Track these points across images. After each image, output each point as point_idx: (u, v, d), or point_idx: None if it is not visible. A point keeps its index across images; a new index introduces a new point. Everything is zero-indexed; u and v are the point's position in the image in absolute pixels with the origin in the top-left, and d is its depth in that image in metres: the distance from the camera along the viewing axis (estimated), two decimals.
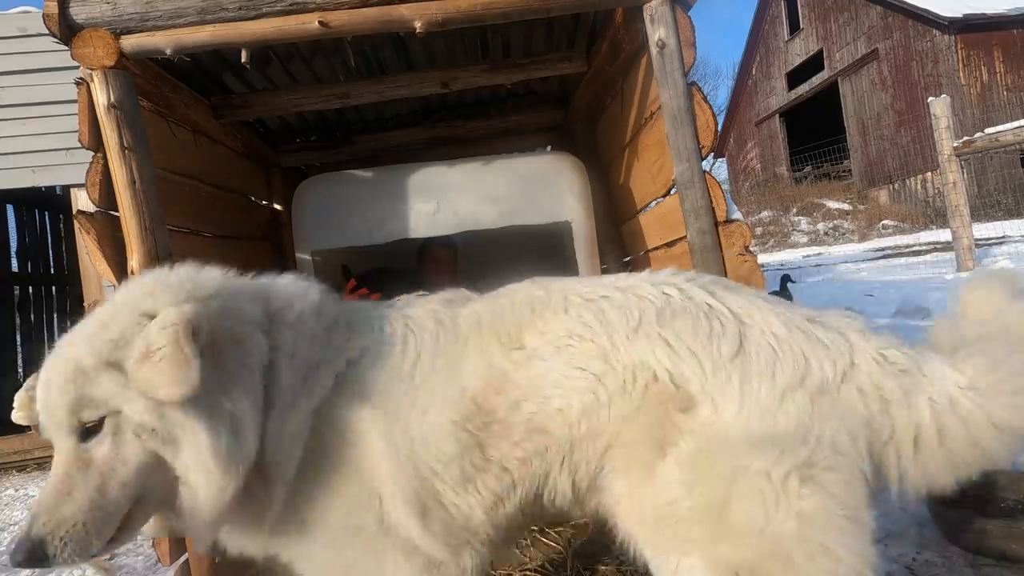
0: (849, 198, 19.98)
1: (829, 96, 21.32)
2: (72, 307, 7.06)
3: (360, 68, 3.00)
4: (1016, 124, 6.87)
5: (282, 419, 1.23)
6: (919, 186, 17.76)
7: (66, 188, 5.35)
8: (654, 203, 2.85)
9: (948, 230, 7.73)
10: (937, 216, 15.62)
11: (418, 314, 1.39)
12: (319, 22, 2.01)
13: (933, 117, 7.21)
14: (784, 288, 5.58)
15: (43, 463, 4.57)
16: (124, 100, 1.99)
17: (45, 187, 5.86)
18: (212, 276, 1.50)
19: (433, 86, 2.97)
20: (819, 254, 14.56)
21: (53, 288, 7.04)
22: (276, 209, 3.88)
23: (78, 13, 1.96)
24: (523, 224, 2.87)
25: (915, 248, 11.72)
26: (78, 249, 5.25)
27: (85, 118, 1.99)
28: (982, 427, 1.15)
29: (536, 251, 3.72)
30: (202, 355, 1.10)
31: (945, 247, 9.68)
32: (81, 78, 2.00)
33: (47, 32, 2.00)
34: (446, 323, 1.35)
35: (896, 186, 18.67)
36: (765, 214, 20.32)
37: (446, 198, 2.83)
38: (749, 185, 25.01)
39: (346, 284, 2.96)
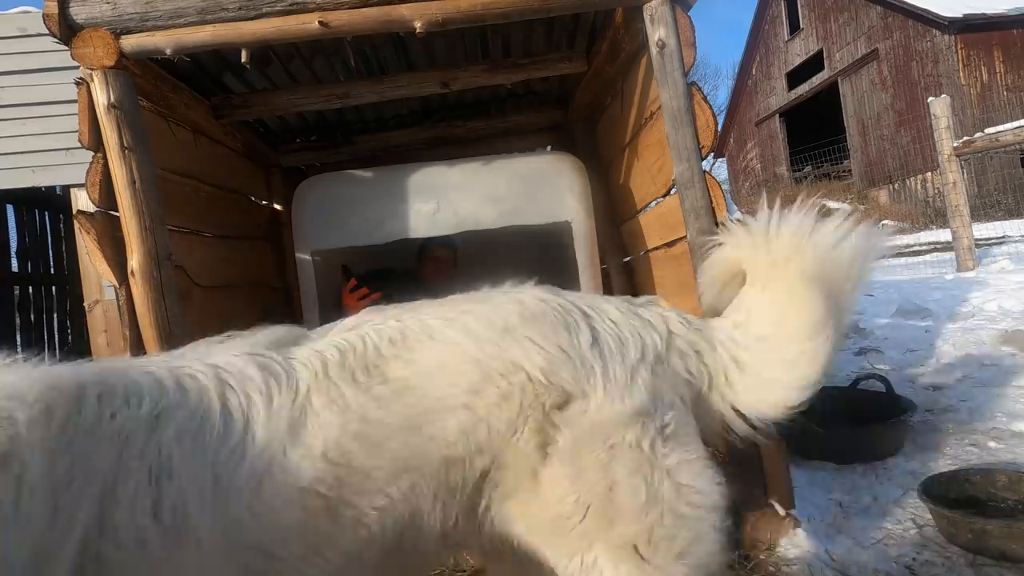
0: (849, 198, 19.97)
1: (829, 96, 21.32)
2: (72, 307, 7.06)
3: (360, 68, 3.00)
4: (1016, 124, 6.87)
5: None
6: (919, 186, 17.76)
7: (66, 188, 5.35)
8: (654, 203, 2.85)
9: (948, 230, 7.73)
10: (937, 216, 15.62)
11: (233, 363, 1.15)
12: (319, 22, 2.01)
13: (933, 117, 7.21)
14: None
15: None
16: (124, 100, 1.99)
17: (45, 187, 5.86)
18: None
19: (433, 86, 2.97)
20: None
21: (53, 288, 7.03)
22: (276, 209, 3.88)
23: (78, 13, 1.96)
24: (523, 224, 2.87)
25: (915, 248, 11.71)
26: (78, 249, 5.25)
27: (85, 118, 1.99)
28: (759, 352, 1.40)
29: (536, 251, 3.72)
30: None
31: (945, 247, 9.68)
32: (81, 78, 2.00)
33: (47, 32, 2.00)
34: (276, 370, 1.15)
35: (896, 186, 18.67)
36: None
37: (446, 198, 2.83)
38: (749, 185, 25.00)
39: (346, 284, 2.96)
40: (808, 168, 22.98)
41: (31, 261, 6.79)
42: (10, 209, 6.50)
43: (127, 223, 2.00)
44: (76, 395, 1.03)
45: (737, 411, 1.41)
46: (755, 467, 2.09)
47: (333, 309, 3.07)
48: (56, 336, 7.01)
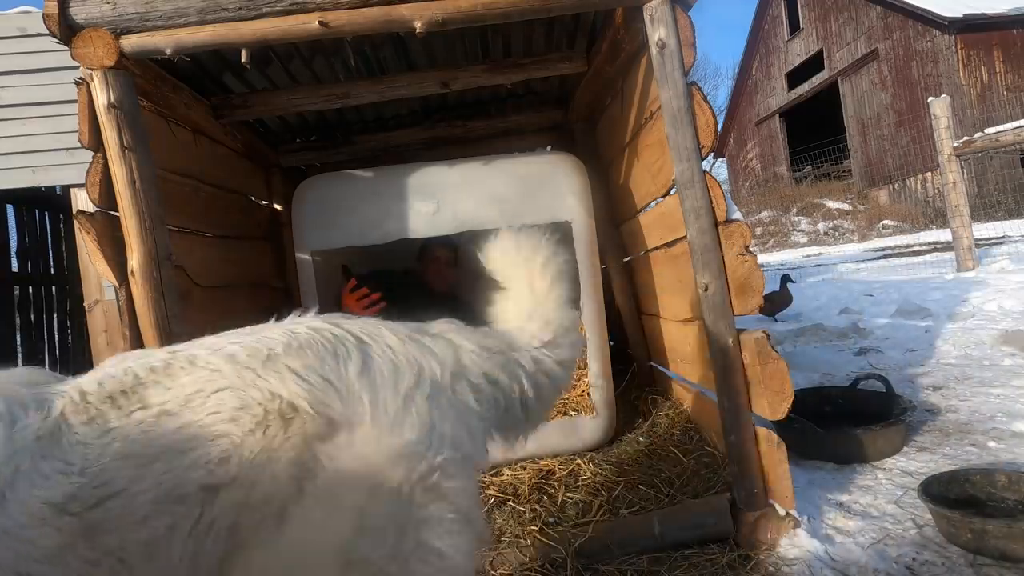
0: (849, 198, 19.98)
1: (829, 96, 21.32)
2: (72, 307, 7.06)
3: (360, 68, 3.00)
4: (1016, 124, 6.87)
5: None
6: (919, 186, 17.76)
7: (66, 188, 5.35)
8: (654, 203, 2.85)
9: (948, 230, 7.73)
10: (937, 216, 15.62)
11: None
12: (319, 22, 2.01)
13: (933, 117, 7.21)
14: (784, 288, 5.59)
15: None
16: (124, 100, 1.99)
17: (45, 187, 5.86)
18: None
19: (433, 86, 2.96)
20: (819, 254, 14.56)
21: (53, 288, 7.03)
22: (276, 209, 3.88)
23: (78, 13, 1.96)
24: (523, 224, 2.86)
25: (915, 248, 11.72)
26: (78, 249, 5.25)
27: (85, 118, 1.99)
28: (557, 370, 1.46)
29: None
30: None
31: (945, 247, 9.68)
32: (81, 78, 2.00)
33: (47, 32, 2.00)
34: (22, 398, 1.08)
35: (896, 186, 18.67)
36: (765, 214, 20.32)
37: (446, 198, 2.82)
38: (749, 185, 25.01)
39: (346, 284, 2.96)
40: (808, 168, 22.98)
41: (31, 261, 6.79)
42: (10, 209, 6.50)
43: (127, 223, 2.00)
44: None
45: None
46: (755, 467, 2.09)
47: (333, 309, 3.07)
48: (56, 336, 7.01)
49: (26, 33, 4.59)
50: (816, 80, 21.59)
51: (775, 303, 5.52)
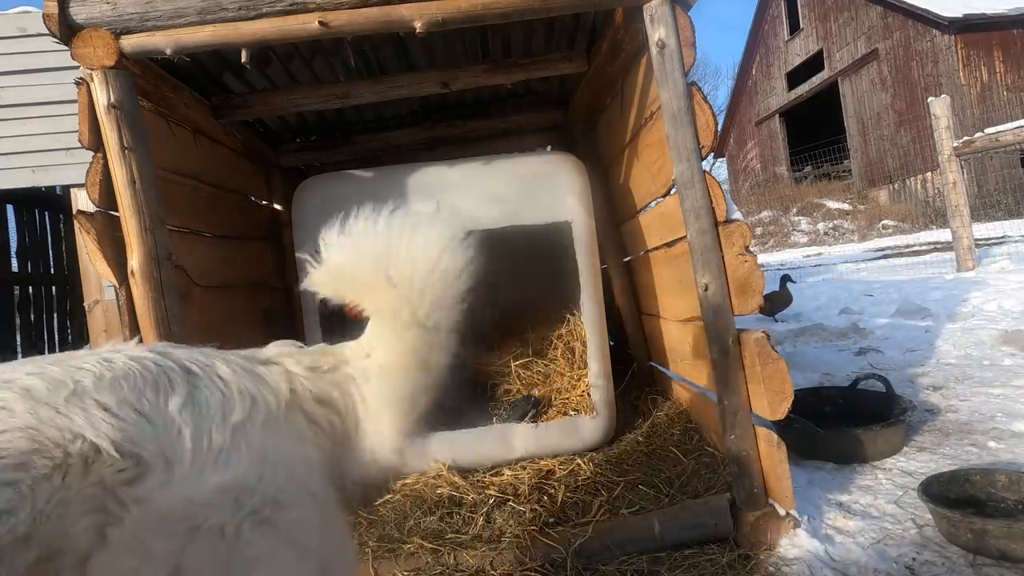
0: (849, 198, 19.98)
1: (829, 96, 21.32)
2: (72, 307, 7.06)
3: (360, 68, 3.00)
4: (1016, 124, 6.87)
5: None
6: (919, 186, 17.76)
7: (66, 188, 5.36)
8: (654, 203, 2.85)
9: (948, 230, 7.73)
10: (937, 216, 15.62)
11: None
12: (319, 22, 2.01)
13: (933, 117, 7.21)
14: (784, 288, 5.59)
15: None
16: (124, 100, 1.99)
17: (45, 187, 5.86)
18: None
19: (433, 86, 2.97)
20: (819, 254, 14.56)
21: (53, 288, 7.04)
22: (276, 209, 3.88)
23: (78, 13, 1.96)
24: (523, 224, 2.86)
25: (915, 248, 11.72)
26: (78, 249, 5.25)
27: (85, 118, 1.99)
28: (393, 382, 1.33)
29: (536, 252, 3.72)
30: None
31: (945, 247, 9.68)
32: (81, 78, 2.00)
33: (47, 32, 2.00)
34: None
35: (896, 186, 18.67)
36: (765, 214, 20.32)
37: (446, 198, 2.82)
38: (749, 185, 25.00)
39: None
40: (808, 168, 22.99)
41: (31, 261, 6.79)
42: (10, 209, 6.51)
43: (127, 223, 2.00)
44: None
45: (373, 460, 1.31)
46: (755, 467, 2.09)
47: (333, 309, 3.06)
48: (56, 336, 7.01)
49: (26, 33, 4.59)
50: (816, 80, 21.59)
51: (775, 303, 5.52)
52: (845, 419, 2.91)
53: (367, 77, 3.07)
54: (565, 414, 2.88)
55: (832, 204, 19.82)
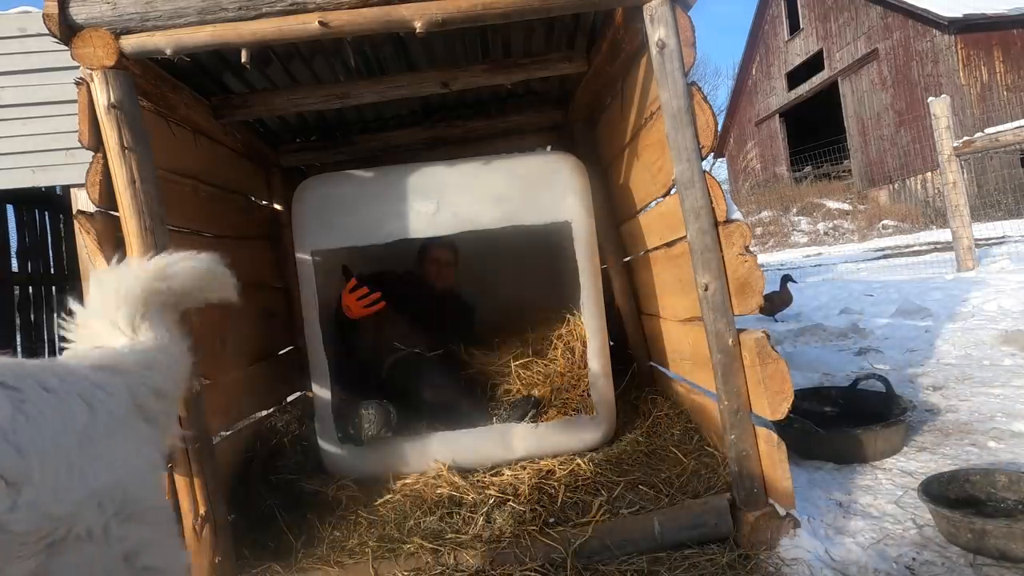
0: (849, 198, 19.98)
1: (829, 96, 21.32)
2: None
3: (360, 68, 3.00)
4: (1016, 124, 6.87)
5: None
6: (919, 186, 17.76)
7: (66, 188, 5.36)
8: (654, 203, 2.85)
9: (948, 230, 7.73)
10: (937, 216, 15.62)
11: None
12: (319, 22, 2.01)
13: (933, 117, 7.21)
14: (784, 288, 5.59)
15: None
16: (124, 100, 1.99)
17: (45, 187, 5.86)
18: None
19: (433, 86, 2.96)
20: (819, 254, 14.56)
21: (53, 288, 7.04)
22: (276, 209, 3.88)
23: (78, 13, 1.96)
24: (523, 224, 2.86)
25: (915, 248, 11.72)
26: (78, 249, 5.25)
27: (85, 118, 1.99)
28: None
29: (535, 252, 3.72)
30: None
31: (945, 247, 9.68)
32: (81, 78, 2.00)
33: (47, 32, 2.00)
34: None
35: (896, 186, 18.67)
36: (765, 214, 20.32)
37: (446, 198, 2.82)
38: (749, 185, 25.00)
39: (346, 284, 2.96)
40: (808, 168, 22.99)
41: (31, 261, 6.80)
42: (10, 209, 6.51)
43: (127, 223, 2.00)
44: None
45: None
46: (755, 467, 2.09)
47: (334, 309, 3.07)
48: (56, 336, 7.00)
49: (26, 33, 4.59)
50: (816, 80, 21.59)
51: (775, 303, 5.52)
52: (845, 419, 2.91)
53: (367, 77, 3.07)
54: (565, 414, 2.88)
55: (832, 204, 19.82)
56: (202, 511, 2.06)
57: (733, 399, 2.08)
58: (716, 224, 2.09)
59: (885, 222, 17.57)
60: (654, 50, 2.09)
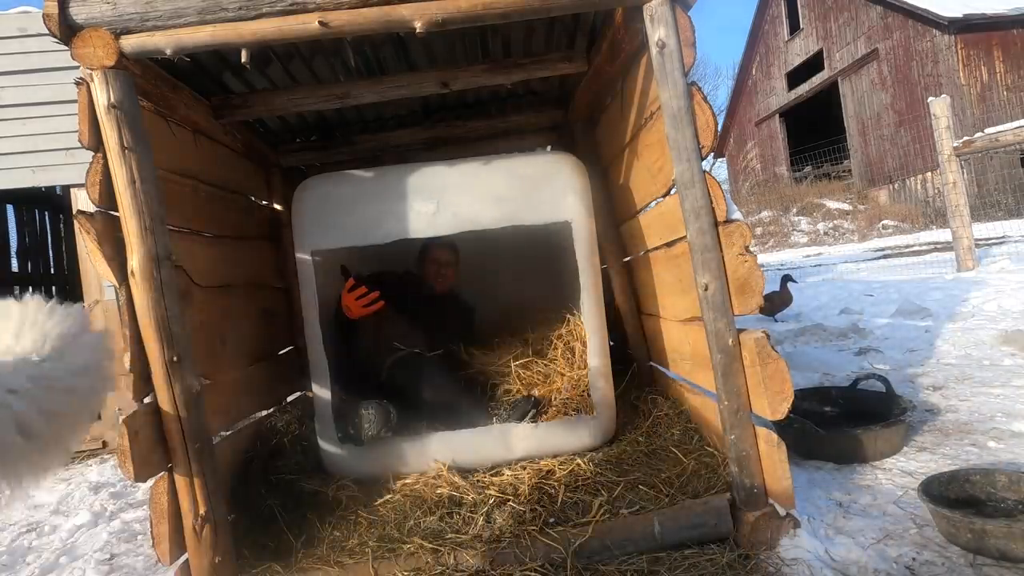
0: (849, 198, 19.97)
1: (829, 96, 21.32)
2: None
3: (360, 68, 3.01)
4: (1016, 124, 6.87)
5: None
6: (919, 186, 17.76)
7: (66, 188, 5.36)
8: (654, 203, 2.85)
9: (948, 230, 7.73)
10: (937, 216, 15.62)
11: None
12: (319, 22, 2.01)
13: (933, 117, 7.21)
14: (784, 288, 5.59)
15: None
16: (124, 100, 1.99)
17: (45, 187, 5.86)
18: None
19: (433, 86, 2.96)
20: (819, 254, 14.56)
21: (53, 288, 7.04)
22: (276, 209, 3.88)
23: (78, 13, 1.96)
24: (523, 224, 2.86)
25: (915, 248, 11.72)
26: (78, 249, 5.25)
27: (85, 118, 1.99)
28: (71, 378, 1.14)
29: (536, 252, 3.72)
30: None
31: (945, 247, 9.68)
32: (81, 78, 2.00)
33: (47, 32, 1.99)
34: None
35: (896, 186, 18.67)
36: (765, 214, 20.31)
37: (446, 198, 2.82)
38: (749, 185, 24.99)
39: (344, 284, 2.96)
40: (808, 168, 22.99)
41: (31, 261, 6.80)
42: (10, 209, 6.51)
43: (127, 223, 2.00)
44: None
45: None
46: (755, 467, 2.09)
47: (334, 309, 3.07)
48: None
49: (26, 33, 4.59)
50: (816, 80, 21.59)
51: (775, 303, 5.52)
52: (845, 419, 2.91)
53: (367, 77, 3.07)
54: (565, 414, 2.88)
55: (832, 204, 19.82)
56: (202, 511, 2.05)
57: (733, 399, 2.08)
58: (716, 224, 2.09)
59: (885, 222, 17.56)
60: (654, 50, 2.09)
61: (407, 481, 2.69)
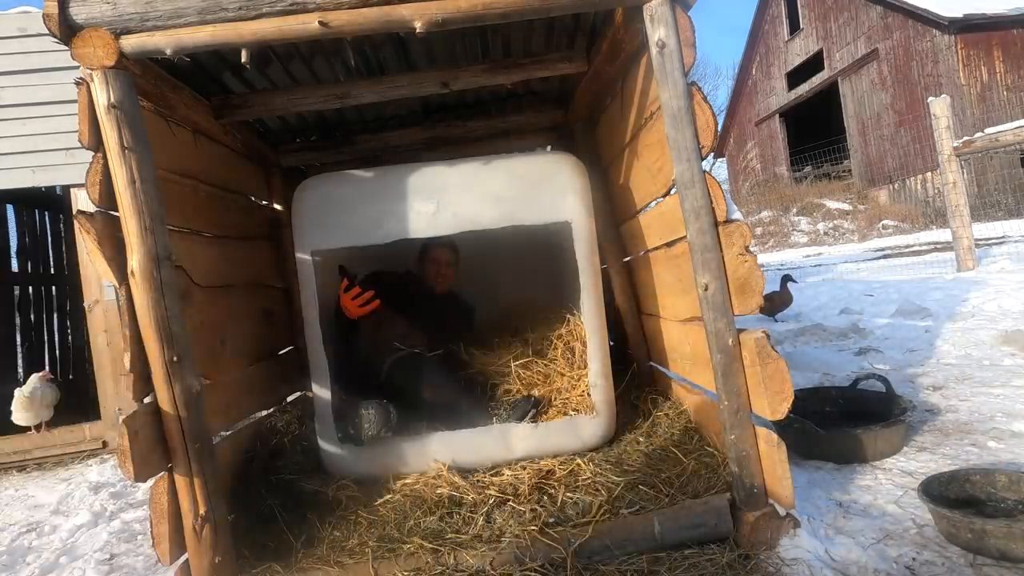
0: (849, 198, 19.97)
1: (829, 96, 21.32)
2: (72, 307, 7.06)
3: (360, 68, 3.01)
4: (1016, 124, 6.86)
5: None
6: (919, 186, 17.76)
7: (66, 188, 5.35)
8: (654, 203, 2.85)
9: (948, 230, 7.73)
10: (937, 216, 15.62)
11: None
12: (319, 22, 2.01)
13: (933, 117, 7.21)
14: (784, 288, 5.59)
15: (43, 463, 4.56)
16: (124, 100, 1.99)
17: (45, 187, 5.86)
18: None
19: (433, 86, 2.96)
20: (819, 254, 14.55)
21: (53, 288, 7.04)
22: (276, 209, 3.88)
23: (78, 13, 1.96)
24: (524, 224, 2.86)
25: (915, 248, 11.72)
26: (78, 249, 5.25)
27: (85, 118, 1.99)
28: None
29: (536, 252, 3.72)
30: None
31: (945, 247, 9.68)
32: (81, 78, 2.00)
33: (47, 32, 1.99)
34: None
35: (896, 186, 18.67)
36: (765, 214, 20.31)
37: (446, 198, 2.82)
38: (749, 185, 24.99)
39: (341, 284, 2.97)
40: (808, 168, 22.98)
41: (31, 261, 6.79)
42: (10, 209, 6.51)
43: (127, 223, 2.00)
44: None
45: None
46: (755, 467, 2.09)
47: (334, 309, 3.06)
48: (56, 336, 7.01)
49: (26, 33, 4.59)
50: (816, 80, 21.58)
51: (775, 303, 5.52)
52: (845, 419, 2.91)
53: (367, 77, 3.07)
54: (565, 414, 2.88)
55: (832, 204, 19.81)
56: (202, 511, 2.05)
57: (733, 399, 2.08)
58: (716, 224, 2.09)
59: (885, 222, 17.56)
60: (654, 50, 2.09)
61: (407, 481, 2.69)
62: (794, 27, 22.48)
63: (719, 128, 2.22)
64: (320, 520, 2.43)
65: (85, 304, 4.80)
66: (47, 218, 6.92)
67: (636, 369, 3.55)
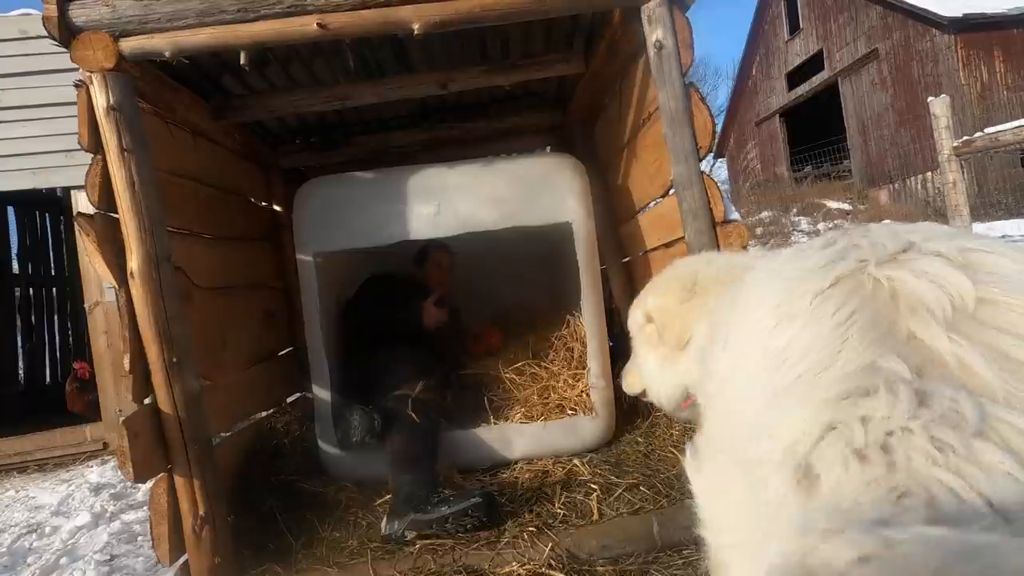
0: (849, 198, 19.97)
1: (829, 96, 21.32)
2: (73, 309, 7.07)
3: (359, 70, 3.01)
4: (1016, 124, 6.86)
5: None
6: (919, 186, 17.76)
7: (66, 190, 5.36)
8: (653, 204, 2.85)
9: None
10: (937, 216, 15.60)
11: None
12: (317, 24, 2.02)
13: (933, 117, 7.20)
14: None
15: (43, 464, 4.57)
16: (123, 102, 2.00)
17: (45, 189, 5.87)
18: None
19: (432, 87, 2.97)
20: None
21: (54, 290, 7.05)
22: (276, 210, 3.88)
23: (77, 16, 1.96)
24: (524, 226, 2.86)
25: None
26: (78, 251, 5.26)
27: (85, 120, 2.00)
28: None
29: (536, 253, 3.72)
30: None
31: None
32: (81, 80, 2.01)
33: (47, 35, 2.00)
34: None
35: (896, 186, 18.67)
36: (765, 214, 20.30)
37: (446, 200, 2.82)
38: (749, 185, 24.99)
39: (431, 297, 3.03)
40: (808, 168, 22.98)
41: (31, 263, 6.81)
42: (11, 211, 6.52)
43: (127, 225, 2.01)
44: None
45: None
46: None
47: (333, 310, 3.06)
48: (56, 338, 7.02)
49: (27, 36, 4.60)
50: (816, 80, 21.58)
51: None
52: None
53: (366, 79, 3.08)
54: (565, 414, 2.88)
55: (832, 204, 19.80)
56: (202, 512, 2.06)
57: None
58: (714, 225, 2.09)
59: (885, 222, 17.55)
60: (652, 51, 2.09)
61: None
62: (794, 27, 22.47)
63: (717, 129, 2.22)
64: (320, 521, 2.43)
65: (85, 306, 4.81)
66: (47, 220, 6.93)
67: None
